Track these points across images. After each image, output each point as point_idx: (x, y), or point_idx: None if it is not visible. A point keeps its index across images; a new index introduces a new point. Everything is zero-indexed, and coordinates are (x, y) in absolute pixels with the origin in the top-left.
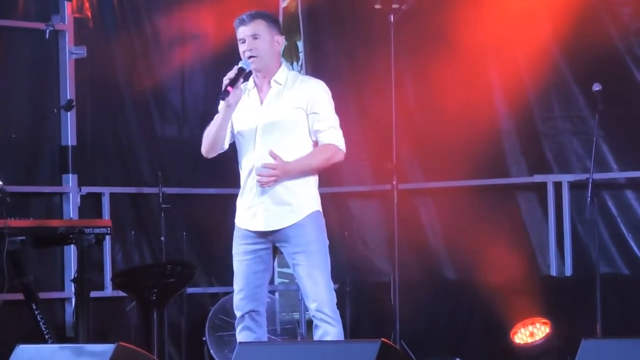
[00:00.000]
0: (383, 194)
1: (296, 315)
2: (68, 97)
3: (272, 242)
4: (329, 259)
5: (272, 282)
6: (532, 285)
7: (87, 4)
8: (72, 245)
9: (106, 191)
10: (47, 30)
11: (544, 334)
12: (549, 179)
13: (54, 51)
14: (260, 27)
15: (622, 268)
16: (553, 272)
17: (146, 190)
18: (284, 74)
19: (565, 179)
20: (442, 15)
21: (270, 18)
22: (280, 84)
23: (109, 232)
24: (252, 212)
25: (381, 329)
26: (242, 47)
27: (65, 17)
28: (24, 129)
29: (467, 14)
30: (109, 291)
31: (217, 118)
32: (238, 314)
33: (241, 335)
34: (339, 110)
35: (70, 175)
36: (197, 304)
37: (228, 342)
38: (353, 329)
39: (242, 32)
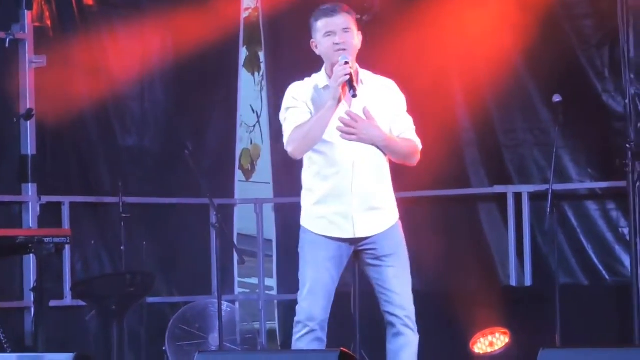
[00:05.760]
0: None
1: (256, 325)
2: (28, 106)
3: (354, 246)
4: None
5: (232, 291)
6: (491, 295)
7: (47, 13)
8: (31, 255)
9: (66, 200)
10: (7, 39)
11: (503, 344)
12: (509, 190)
13: (13, 60)
14: (349, 20)
15: (582, 278)
16: (513, 282)
17: (106, 199)
18: (364, 72)
19: (525, 189)
20: (404, 27)
21: (353, 13)
22: (363, 84)
23: (68, 241)
24: (342, 218)
25: (341, 338)
26: (329, 40)
27: (25, 26)
28: None
29: (430, 26)
30: (68, 300)
31: (324, 116)
32: (310, 324)
33: (310, 346)
34: None
35: (30, 184)
36: (157, 314)
37: (188, 352)
38: None
39: (331, 24)
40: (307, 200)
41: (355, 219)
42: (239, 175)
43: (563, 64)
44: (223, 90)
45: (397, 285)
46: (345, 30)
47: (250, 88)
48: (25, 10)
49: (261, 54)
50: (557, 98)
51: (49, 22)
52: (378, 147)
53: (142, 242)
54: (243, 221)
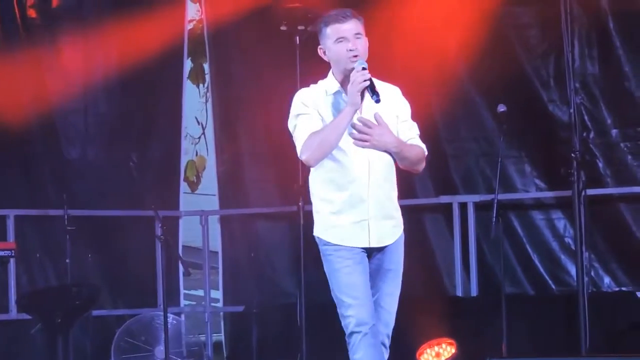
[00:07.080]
0: (290, 215)
1: (202, 338)
2: None
3: (366, 254)
4: None
5: (178, 304)
6: (438, 305)
7: None
8: None
9: (10, 213)
10: None
11: (450, 354)
12: (455, 200)
13: None
14: (360, 26)
15: (528, 288)
16: (459, 292)
17: (51, 212)
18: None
19: (471, 199)
20: None
21: (361, 18)
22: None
23: (13, 254)
24: (359, 227)
25: (288, 350)
26: (342, 46)
27: None
28: None
29: (374, 35)
30: (13, 314)
31: (341, 122)
32: (363, 328)
33: (371, 356)
34: (245, 132)
35: None
36: (102, 327)
37: None
38: (260, 350)
39: (343, 30)
40: (323, 210)
41: (371, 227)
42: (184, 187)
43: (508, 73)
44: (167, 102)
45: (389, 303)
46: (357, 35)
47: (195, 100)
48: None
49: (206, 66)
50: (501, 108)
51: None
52: (389, 154)
53: (87, 255)
54: (188, 233)
